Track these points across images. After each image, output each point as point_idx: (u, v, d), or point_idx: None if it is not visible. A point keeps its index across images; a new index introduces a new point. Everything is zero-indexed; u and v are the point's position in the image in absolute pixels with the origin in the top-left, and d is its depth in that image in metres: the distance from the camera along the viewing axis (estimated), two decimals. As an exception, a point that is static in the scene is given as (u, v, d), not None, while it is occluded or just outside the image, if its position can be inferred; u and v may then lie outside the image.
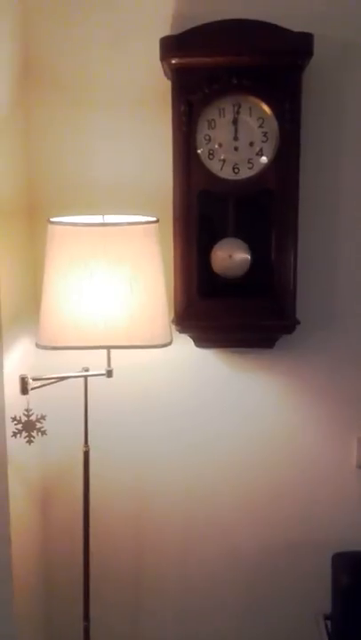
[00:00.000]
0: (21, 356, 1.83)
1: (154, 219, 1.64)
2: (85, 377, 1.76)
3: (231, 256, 1.77)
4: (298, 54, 1.67)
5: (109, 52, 1.82)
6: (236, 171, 1.75)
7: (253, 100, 1.72)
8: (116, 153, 1.86)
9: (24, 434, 1.73)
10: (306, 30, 1.65)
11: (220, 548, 2.03)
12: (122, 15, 1.80)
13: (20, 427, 1.72)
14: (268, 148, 1.74)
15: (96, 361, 1.74)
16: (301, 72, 1.69)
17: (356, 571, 1.79)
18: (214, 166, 1.75)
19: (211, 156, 1.75)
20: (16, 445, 1.75)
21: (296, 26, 1.66)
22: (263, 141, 1.74)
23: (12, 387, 1.71)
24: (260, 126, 1.73)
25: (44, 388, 1.72)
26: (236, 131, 1.74)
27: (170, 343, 1.67)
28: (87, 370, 1.77)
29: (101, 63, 1.82)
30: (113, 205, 1.80)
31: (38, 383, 1.70)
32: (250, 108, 1.73)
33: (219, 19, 1.67)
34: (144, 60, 1.78)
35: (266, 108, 1.72)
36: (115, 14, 1.80)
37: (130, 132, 1.84)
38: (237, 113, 1.74)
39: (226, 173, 1.75)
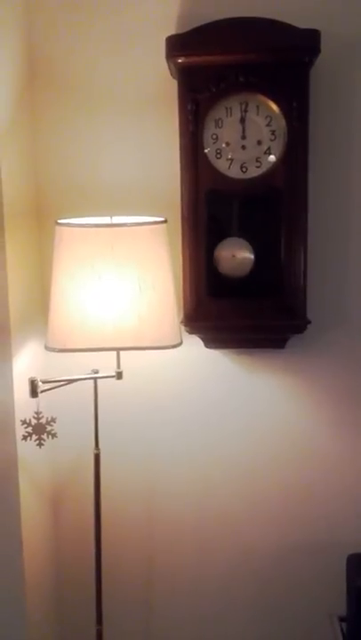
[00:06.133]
0: (30, 359, 1.83)
1: (162, 219, 1.63)
2: (95, 379, 1.76)
3: (234, 255, 1.76)
4: (304, 51, 1.65)
5: (115, 53, 1.81)
6: (243, 170, 1.74)
7: (261, 98, 1.71)
8: (123, 153, 1.85)
9: (34, 437, 1.72)
10: (313, 27, 1.63)
11: (233, 548, 2.02)
12: (127, 15, 1.79)
13: (30, 430, 1.72)
14: (276, 147, 1.72)
15: (105, 363, 1.74)
16: (309, 69, 1.68)
17: (371, 572, 1.77)
18: (222, 165, 1.74)
19: (218, 156, 1.74)
20: (26, 448, 1.75)
21: (303, 23, 1.64)
22: (271, 140, 1.73)
23: (21, 389, 1.71)
24: (268, 124, 1.72)
25: (53, 390, 1.72)
26: (243, 129, 1.73)
27: (179, 344, 1.66)
28: (97, 372, 1.76)
29: (107, 64, 1.82)
30: (121, 206, 1.80)
31: (48, 386, 1.70)
32: (257, 107, 1.72)
33: (224, 17, 1.66)
34: (150, 60, 1.77)
35: (273, 106, 1.71)
36: (120, 14, 1.79)
37: (136, 133, 1.84)
38: (245, 111, 1.72)
39: (234, 172, 1.74)
